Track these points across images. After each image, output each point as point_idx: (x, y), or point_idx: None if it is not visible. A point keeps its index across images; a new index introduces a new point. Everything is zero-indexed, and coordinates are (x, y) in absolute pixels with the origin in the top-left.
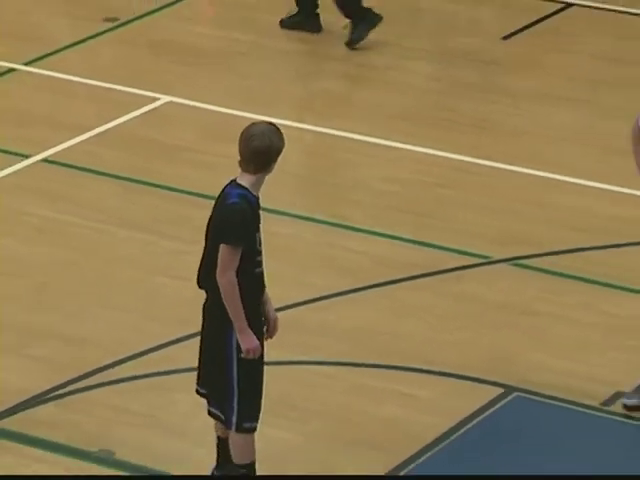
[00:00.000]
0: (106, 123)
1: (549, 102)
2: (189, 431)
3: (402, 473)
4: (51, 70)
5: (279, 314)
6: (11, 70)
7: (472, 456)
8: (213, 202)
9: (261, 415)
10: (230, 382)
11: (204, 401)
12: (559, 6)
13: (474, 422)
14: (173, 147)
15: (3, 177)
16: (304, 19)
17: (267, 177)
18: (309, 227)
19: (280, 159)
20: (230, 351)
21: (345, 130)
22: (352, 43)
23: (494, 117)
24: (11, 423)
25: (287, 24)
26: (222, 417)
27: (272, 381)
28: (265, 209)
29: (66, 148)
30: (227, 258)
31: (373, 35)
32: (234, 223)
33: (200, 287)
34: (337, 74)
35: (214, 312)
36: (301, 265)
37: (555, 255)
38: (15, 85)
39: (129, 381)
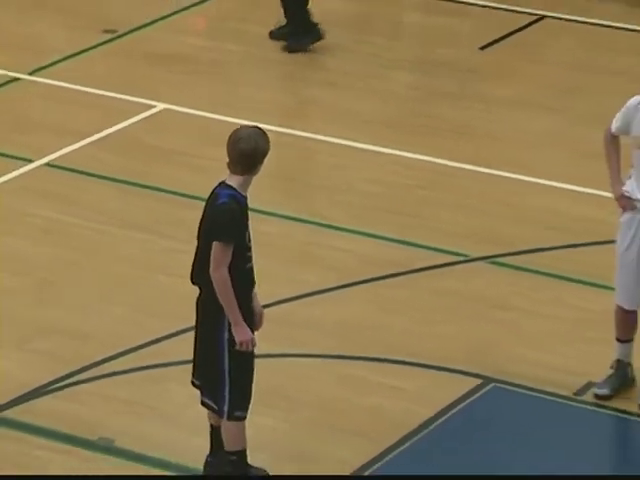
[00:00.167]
0: (106, 129)
1: (523, 109)
2: (184, 420)
3: (385, 460)
4: (53, 79)
5: (269, 310)
6: (16, 79)
7: (452, 444)
8: None
9: (251, 404)
10: (222, 373)
11: (198, 392)
12: (532, 18)
13: (454, 411)
14: (169, 151)
15: (9, 180)
16: (292, 30)
17: (259, 180)
18: (297, 227)
19: (270, 163)
20: (222, 344)
21: (331, 135)
22: (290, 49)
23: (471, 123)
24: (15, 413)
25: (276, 35)
26: (215, 407)
27: (262, 373)
28: (255, 210)
29: (68, 153)
30: (220, 255)
31: (358, 46)
32: (225, 222)
33: (194, 283)
34: (323, 83)
35: (207, 307)
36: (290, 263)
37: (528, 253)
38: (19, 94)
39: (128, 373)
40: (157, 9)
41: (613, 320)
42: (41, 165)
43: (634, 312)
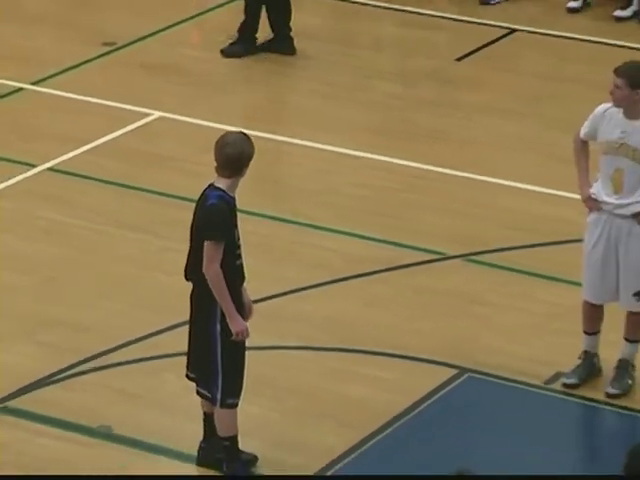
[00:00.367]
0: (104, 136)
1: (497, 115)
2: (179, 409)
3: (367, 446)
4: (55, 89)
5: (258, 305)
6: (20, 89)
7: (429, 431)
8: None
9: (242, 394)
10: (215, 363)
11: (192, 382)
12: (505, 31)
13: (431, 400)
14: (164, 157)
15: (14, 184)
16: (279, 43)
17: (249, 184)
18: (284, 227)
19: (258, 167)
20: (215, 336)
21: (317, 142)
22: (226, 54)
23: (449, 129)
24: (20, 402)
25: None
26: (209, 395)
27: (252, 364)
28: (244, 211)
29: (69, 158)
30: (211, 253)
31: (342, 58)
32: (215, 221)
33: (187, 279)
34: (310, 92)
35: (200, 301)
36: (277, 261)
37: (502, 251)
38: (23, 103)
39: (126, 365)
40: (153, 23)
41: (581, 314)
42: (44, 170)
43: (600, 306)
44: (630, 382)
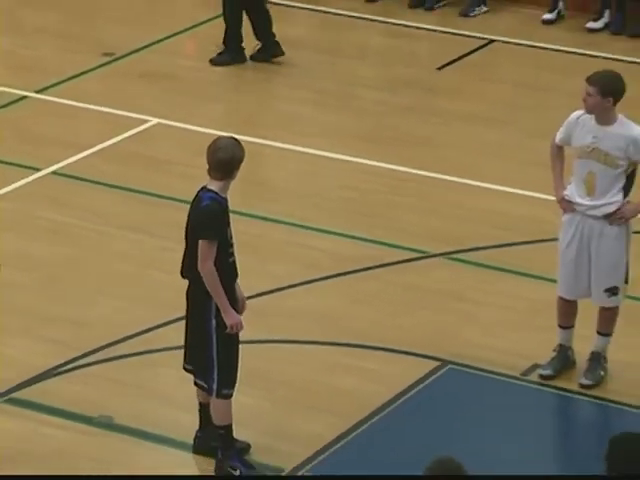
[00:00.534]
0: (105, 141)
1: (475, 122)
2: (176, 399)
3: (354, 434)
4: (58, 97)
5: (250, 301)
6: (24, 97)
7: (412, 419)
8: None
9: (236, 385)
10: (210, 356)
11: (189, 374)
12: (483, 42)
13: (414, 390)
14: (161, 161)
15: (19, 187)
16: (268, 49)
17: (240, 186)
18: (274, 227)
19: (250, 170)
20: (210, 330)
21: (306, 146)
22: (215, 64)
23: (431, 135)
24: (25, 393)
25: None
26: (205, 386)
27: (245, 357)
28: (237, 212)
29: (71, 163)
30: (205, 251)
31: (328, 66)
32: (208, 222)
33: (183, 277)
34: (298, 99)
35: (196, 298)
36: (268, 260)
37: (482, 250)
38: (28, 110)
39: (125, 358)
40: (150, 35)
41: (555, 309)
42: (47, 174)
43: (574, 302)
44: (602, 373)
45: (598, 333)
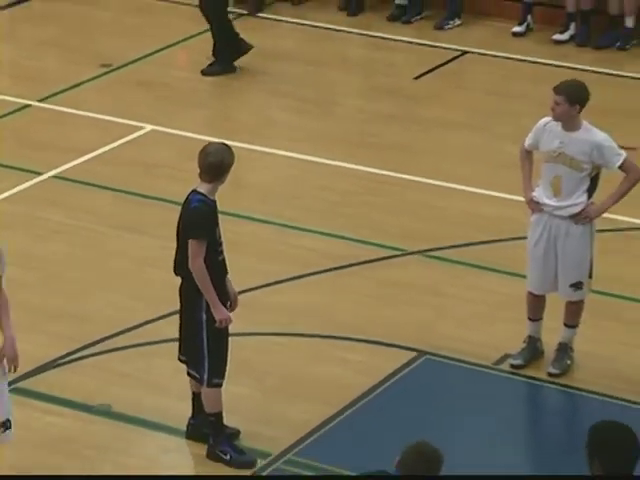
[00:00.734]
0: (103, 147)
1: (450, 128)
2: (171, 389)
3: (337, 420)
4: (59, 105)
5: (240, 296)
6: (27, 106)
7: (392, 406)
8: None
9: (226, 375)
10: (202, 348)
11: (183, 365)
12: (457, 53)
13: (393, 379)
14: (155, 165)
15: (22, 190)
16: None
17: (231, 189)
18: (262, 227)
19: (239, 174)
20: (201, 323)
21: (292, 151)
22: (205, 74)
23: (408, 140)
24: (29, 383)
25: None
26: (197, 376)
27: (234, 349)
28: (227, 213)
29: (71, 167)
30: (195, 250)
31: (312, 76)
32: (197, 222)
33: (176, 274)
34: (284, 107)
35: (187, 293)
36: (256, 257)
37: (456, 248)
38: (30, 118)
39: (123, 350)
40: (145, 46)
41: (525, 303)
42: (49, 177)
43: (542, 296)
44: (569, 363)
45: (565, 325)
